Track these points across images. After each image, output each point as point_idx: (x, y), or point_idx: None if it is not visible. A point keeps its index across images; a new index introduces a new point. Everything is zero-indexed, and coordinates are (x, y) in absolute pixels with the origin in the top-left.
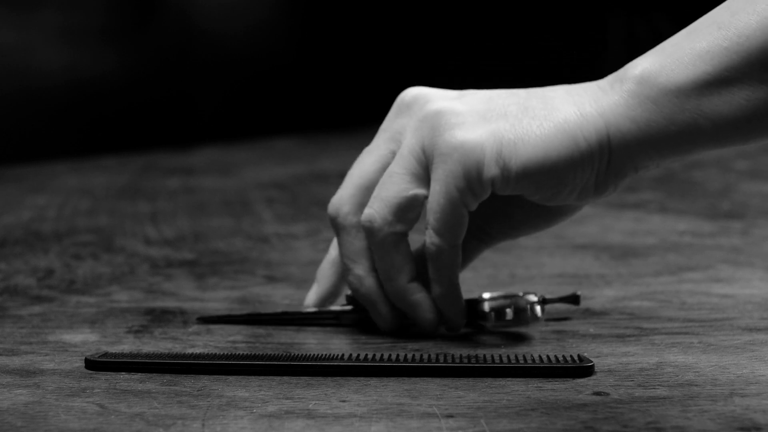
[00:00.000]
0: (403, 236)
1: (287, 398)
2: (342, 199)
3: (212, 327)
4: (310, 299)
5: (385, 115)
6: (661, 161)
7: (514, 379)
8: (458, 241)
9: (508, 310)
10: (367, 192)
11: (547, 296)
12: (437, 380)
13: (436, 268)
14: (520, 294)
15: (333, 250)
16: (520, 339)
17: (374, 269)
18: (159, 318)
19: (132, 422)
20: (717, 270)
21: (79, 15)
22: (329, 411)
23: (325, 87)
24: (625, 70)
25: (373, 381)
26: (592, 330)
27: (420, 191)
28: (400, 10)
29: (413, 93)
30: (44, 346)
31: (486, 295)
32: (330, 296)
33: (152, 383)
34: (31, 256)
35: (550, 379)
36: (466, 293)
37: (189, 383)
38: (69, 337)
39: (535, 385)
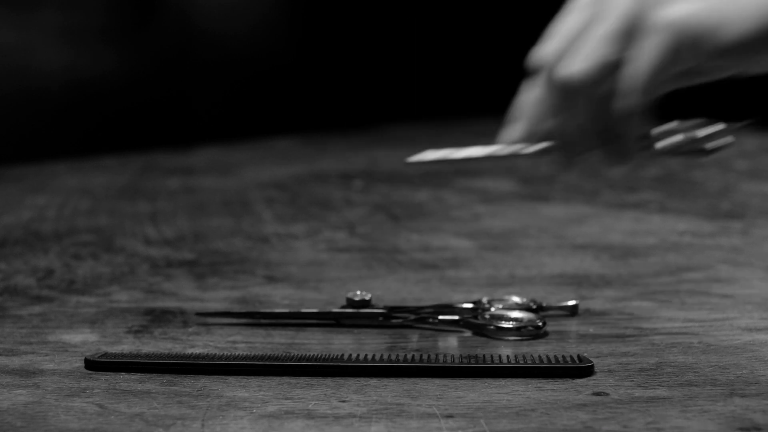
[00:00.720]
0: (595, 100)
1: (287, 398)
2: (547, 54)
3: (212, 327)
4: (514, 134)
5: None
6: None
7: (513, 379)
8: (648, 103)
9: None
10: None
11: (544, 304)
12: (437, 380)
13: (622, 124)
14: (516, 301)
15: (537, 90)
16: (520, 339)
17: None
18: (159, 318)
19: (132, 422)
20: (717, 270)
21: (79, 15)
22: (329, 411)
23: (325, 87)
24: None
25: (373, 381)
26: (592, 330)
27: (622, 55)
28: (400, 10)
29: None
30: (44, 346)
31: (484, 301)
32: (534, 132)
33: (152, 383)
34: (31, 256)
35: (550, 379)
36: (466, 293)
37: (189, 383)
38: (69, 337)
39: (535, 385)
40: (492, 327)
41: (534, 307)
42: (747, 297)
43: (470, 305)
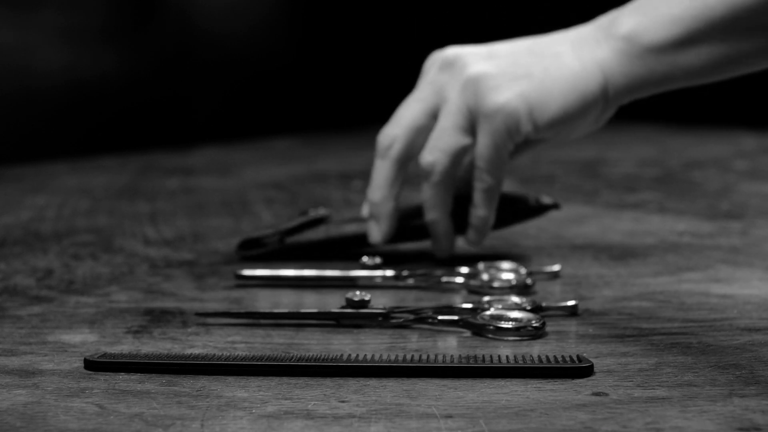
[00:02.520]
0: (453, 179)
1: (286, 398)
2: (396, 136)
3: (211, 327)
4: (375, 238)
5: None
6: (640, 97)
7: (513, 379)
8: (503, 176)
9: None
10: (415, 133)
11: (544, 304)
12: (436, 380)
13: (485, 198)
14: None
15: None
16: (520, 339)
17: (394, 198)
18: (158, 318)
19: (131, 422)
20: (716, 270)
21: (79, 15)
22: (328, 411)
23: (325, 87)
24: (613, 25)
25: (372, 381)
26: (591, 330)
27: (468, 141)
28: (400, 9)
29: (452, 53)
30: (43, 346)
31: (485, 299)
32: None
33: (151, 383)
34: (31, 257)
35: (549, 380)
36: (466, 293)
37: (188, 384)
38: (68, 338)
39: (535, 385)
40: (491, 327)
41: (533, 307)
42: (746, 297)
43: (470, 305)
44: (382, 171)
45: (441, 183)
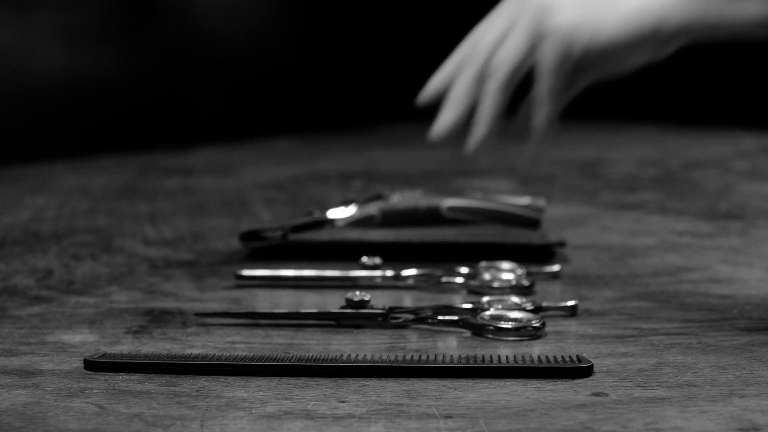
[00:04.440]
0: (509, 87)
1: (286, 399)
2: (487, 45)
3: (211, 327)
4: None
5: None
6: (694, 39)
7: (513, 379)
8: (561, 84)
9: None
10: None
11: (544, 304)
12: (436, 381)
13: (548, 96)
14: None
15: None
16: (520, 339)
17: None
18: (158, 318)
19: (131, 423)
20: (716, 270)
21: (79, 15)
22: (328, 411)
23: (325, 87)
24: None
25: (372, 381)
26: (591, 330)
27: (528, 57)
28: (400, 10)
29: None
30: (43, 346)
31: (485, 299)
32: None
33: (151, 384)
34: (30, 257)
35: (549, 380)
36: (465, 294)
37: (188, 384)
38: (68, 338)
39: (534, 385)
40: (491, 327)
41: (533, 307)
42: (746, 297)
43: (470, 306)
44: (473, 63)
45: (499, 88)
